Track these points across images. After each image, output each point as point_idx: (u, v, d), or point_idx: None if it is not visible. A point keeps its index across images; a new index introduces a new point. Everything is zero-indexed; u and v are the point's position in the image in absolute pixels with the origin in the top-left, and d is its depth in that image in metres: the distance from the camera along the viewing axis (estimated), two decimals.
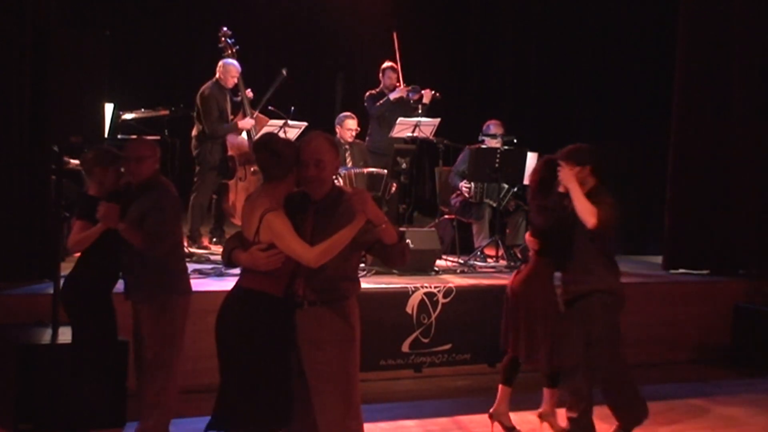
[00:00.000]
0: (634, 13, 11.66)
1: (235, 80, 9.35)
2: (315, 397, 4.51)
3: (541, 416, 6.42)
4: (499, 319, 6.33)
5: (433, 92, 10.27)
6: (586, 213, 5.81)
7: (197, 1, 12.37)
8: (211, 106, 9.17)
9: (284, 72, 9.51)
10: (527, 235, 6.31)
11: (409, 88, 10.31)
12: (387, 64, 10.44)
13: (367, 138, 10.41)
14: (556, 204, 6.04)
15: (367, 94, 10.44)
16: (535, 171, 6.28)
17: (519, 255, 9.56)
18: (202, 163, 9.26)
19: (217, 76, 9.34)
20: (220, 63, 9.36)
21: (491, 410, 6.36)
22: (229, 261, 4.62)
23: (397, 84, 10.34)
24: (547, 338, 6.11)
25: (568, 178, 5.92)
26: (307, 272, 4.47)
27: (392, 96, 10.26)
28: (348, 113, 9.78)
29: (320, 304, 4.52)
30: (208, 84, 9.32)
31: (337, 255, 4.43)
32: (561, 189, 5.98)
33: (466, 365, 7.65)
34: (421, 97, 10.26)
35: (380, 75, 10.47)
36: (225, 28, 9.53)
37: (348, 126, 9.60)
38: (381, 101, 10.29)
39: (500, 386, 6.35)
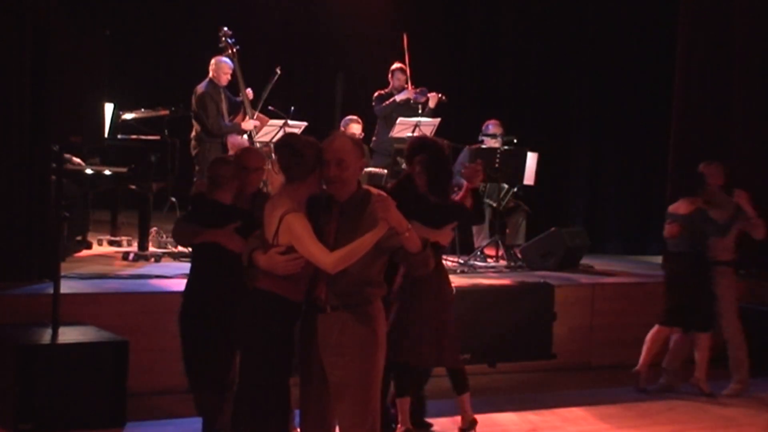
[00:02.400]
0: (634, 13, 11.66)
1: (228, 77, 9.35)
2: (336, 403, 4.46)
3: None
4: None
5: (439, 96, 10.25)
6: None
7: (197, 1, 12.36)
8: (208, 104, 9.18)
9: (278, 70, 9.51)
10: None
11: (417, 90, 10.29)
12: (396, 65, 10.42)
13: (373, 138, 10.39)
14: None
15: (376, 94, 10.42)
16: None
17: (519, 255, 9.57)
18: (201, 163, 9.26)
19: (211, 74, 9.35)
20: (213, 61, 9.36)
21: None
22: (249, 262, 4.51)
23: (406, 85, 10.32)
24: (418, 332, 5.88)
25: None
26: (329, 276, 4.38)
27: (398, 97, 10.24)
28: (354, 117, 9.74)
29: (343, 308, 4.43)
30: (202, 83, 9.32)
31: (361, 259, 4.33)
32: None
33: (466, 365, 7.61)
34: (428, 100, 10.25)
35: (389, 76, 10.44)
36: (225, 28, 9.53)
37: (352, 130, 9.55)
38: (387, 102, 10.28)
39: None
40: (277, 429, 4.50)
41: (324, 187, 4.52)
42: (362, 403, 4.45)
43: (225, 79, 9.35)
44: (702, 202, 7.53)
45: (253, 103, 9.49)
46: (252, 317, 4.48)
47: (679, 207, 7.57)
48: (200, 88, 9.29)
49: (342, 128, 9.59)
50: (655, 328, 7.70)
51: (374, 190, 4.52)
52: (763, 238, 7.76)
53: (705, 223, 7.46)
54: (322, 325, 4.45)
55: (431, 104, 10.25)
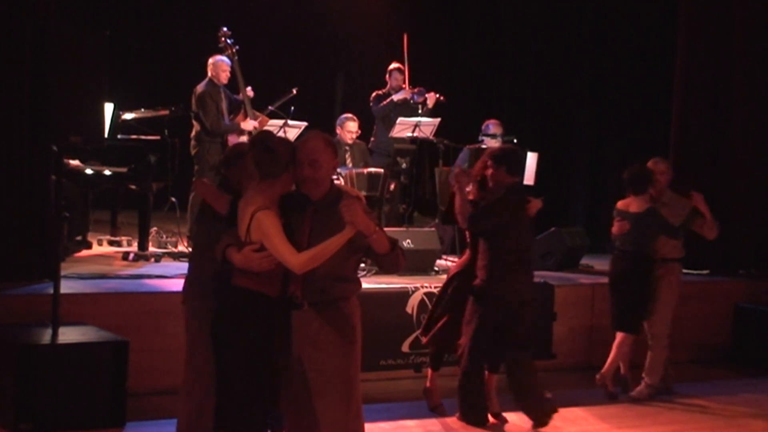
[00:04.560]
0: (634, 14, 11.66)
1: (227, 74, 9.36)
2: (316, 398, 4.48)
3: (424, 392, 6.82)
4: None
5: (437, 96, 10.25)
6: (458, 214, 6.31)
7: (197, 1, 12.36)
8: (207, 102, 9.20)
9: (294, 91, 9.55)
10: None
11: (415, 90, 10.28)
12: (394, 65, 10.41)
13: (371, 138, 10.39)
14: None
15: (374, 94, 10.42)
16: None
17: None
18: (200, 163, 9.28)
19: (210, 74, 9.37)
20: (210, 61, 9.38)
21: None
22: (222, 258, 4.56)
23: (404, 85, 10.31)
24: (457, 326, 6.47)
25: (453, 182, 6.38)
26: (304, 274, 4.43)
27: (396, 97, 10.23)
28: (349, 115, 9.75)
29: (320, 305, 4.48)
30: (202, 83, 9.35)
31: (335, 256, 4.38)
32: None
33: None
34: (425, 100, 10.24)
35: (387, 76, 10.43)
36: (225, 29, 9.54)
37: (348, 128, 9.57)
38: (385, 102, 10.27)
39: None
40: (257, 427, 4.51)
41: (296, 186, 4.56)
42: (344, 398, 4.49)
43: (224, 77, 9.37)
44: (652, 201, 7.45)
45: (258, 108, 9.49)
46: (230, 315, 4.50)
47: (630, 205, 7.38)
48: (200, 87, 9.31)
49: (339, 127, 9.61)
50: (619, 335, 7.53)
51: (351, 190, 4.61)
52: (715, 239, 7.64)
53: (656, 223, 7.31)
54: (299, 322, 4.50)
55: (429, 104, 10.25)
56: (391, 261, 4.50)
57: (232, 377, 4.50)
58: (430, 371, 6.80)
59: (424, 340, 6.73)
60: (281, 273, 4.48)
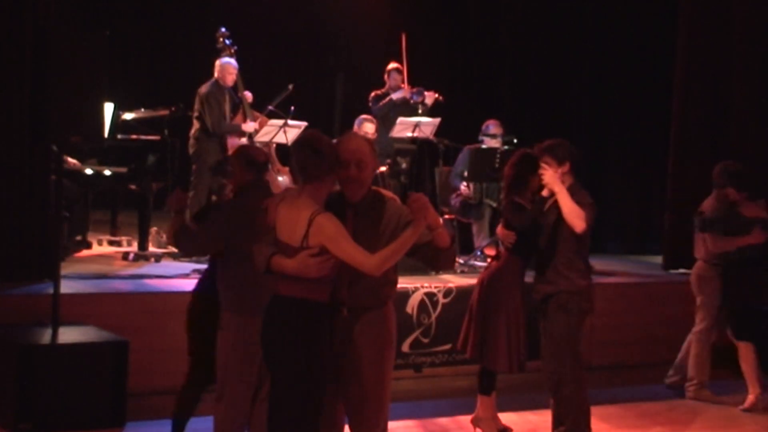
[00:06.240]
0: (634, 13, 11.66)
1: (233, 77, 9.40)
2: (350, 403, 4.45)
3: (473, 421, 6.28)
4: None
5: (436, 95, 10.24)
6: (576, 217, 5.77)
7: (197, 1, 12.36)
8: (211, 103, 9.23)
9: (290, 87, 9.55)
10: (499, 229, 6.14)
11: (414, 89, 10.27)
12: (393, 65, 10.40)
13: None
14: (533, 202, 5.95)
15: (372, 94, 10.41)
16: (512, 165, 6.07)
17: None
18: (198, 162, 9.30)
19: (216, 75, 9.40)
20: (217, 62, 9.41)
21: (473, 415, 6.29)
22: (267, 269, 4.33)
23: (402, 85, 10.30)
24: (503, 336, 5.98)
25: (554, 181, 5.83)
26: (350, 277, 4.33)
27: (395, 96, 10.22)
28: (368, 117, 9.65)
29: (361, 309, 4.41)
30: (207, 83, 9.37)
31: None
32: (545, 192, 5.89)
33: (466, 365, 7.63)
34: (424, 99, 10.23)
35: (386, 76, 10.42)
36: (223, 29, 9.56)
37: (366, 129, 9.49)
38: (384, 101, 10.27)
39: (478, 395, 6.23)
40: None
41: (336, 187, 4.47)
42: (378, 402, 4.46)
43: (230, 79, 9.40)
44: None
45: (256, 108, 9.50)
46: (285, 327, 4.31)
47: (758, 211, 7.27)
48: (204, 87, 9.34)
49: (356, 127, 9.52)
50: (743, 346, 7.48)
51: (384, 191, 4.54)
52: None
53: None
54: (340, 326, 4.41)
55: (428, 103, 10.24)
56: (450, 256, 4.48)
57: (291, 390, 4.29)
58: (484, 399, 6.23)
59: (511, 370, 6.08)
60: (333, 278, 4.33)
